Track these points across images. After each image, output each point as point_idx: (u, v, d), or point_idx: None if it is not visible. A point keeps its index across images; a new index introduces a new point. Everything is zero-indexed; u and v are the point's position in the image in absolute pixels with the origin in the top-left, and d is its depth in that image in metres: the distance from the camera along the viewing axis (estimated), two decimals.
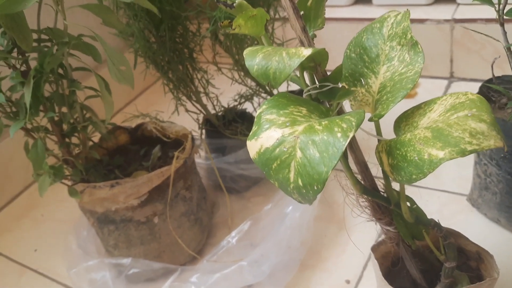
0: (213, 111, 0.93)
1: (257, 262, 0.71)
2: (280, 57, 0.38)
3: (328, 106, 0.43)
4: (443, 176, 0.85)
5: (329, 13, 1.18)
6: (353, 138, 0.45)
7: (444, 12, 1.07)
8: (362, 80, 0.44)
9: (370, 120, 0.43)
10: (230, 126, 0.92)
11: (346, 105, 0.46)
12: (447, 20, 1.05)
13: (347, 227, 0.79)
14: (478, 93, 0.69)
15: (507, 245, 0.70)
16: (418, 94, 1.09)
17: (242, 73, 0.89)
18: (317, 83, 0.42)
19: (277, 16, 0.84)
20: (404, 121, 0.43)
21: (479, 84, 0.69)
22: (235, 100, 0.93)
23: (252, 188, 0.93)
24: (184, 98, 0.89)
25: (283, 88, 1.01)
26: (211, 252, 0.75)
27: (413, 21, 1.08)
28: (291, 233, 0.74)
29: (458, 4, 1.09)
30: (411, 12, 1.16)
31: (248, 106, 0.95)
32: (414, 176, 0.38)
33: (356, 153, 0.45)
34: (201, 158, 0.93)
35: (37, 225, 0.99)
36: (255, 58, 0.39)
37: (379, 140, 0.42)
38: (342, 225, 0.80)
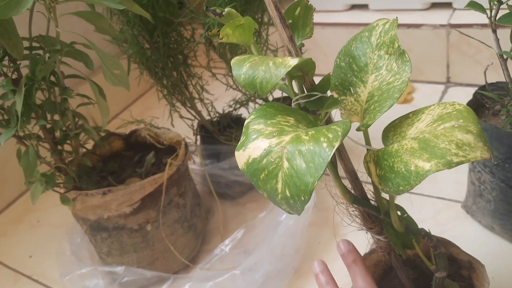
0: (207, 117, 0.93)
1: (250, 270, 0.70)
2: (267, 67, 0.37)
3: (316, 115, 0.43)
4: (438, 182, 0.85)
5: (325, 18, 1.19)
6: (342, 146, 0.45)
7: (440, 17, 1.07)
8: (351, 89, 0.44)
9: (358, 129, 0.43)
10: (225, 132, 0.92)
11: (337, 114, 0.46)
12: (443, 25, 1.05)
13: (339, 235, 0.78)
14: (472, 99, 0.69)
15: (501, 252, 0.69)
16: (415, 99, 1.09)
17: None
18: (305, 92, 0.42)
19: (271, 22, 0.83)
20: (392, 130, 0.43)
21: (475, 89, 0.69)
22: (230, 106, 0.93)
23: (246, 194, 0.92)
24: (178, 104, 0.89)
25: (278, 94, 1.01)
26: (205, 259, 0.75)
27: (409, 26, 1.08)
28: (285, 241, 0.73)
29: (454, 9, 1.09)
30: (408, 17, 1.16)
31: (243, 112, 0.95)
32: (401, 188, 0.37)
33: (345, 161, 0.45)
34: (196, 164, 0.93)
35: (32, 231, 0.99)
36: (242, 68, 0.38)
37: (367, 150, 0.42)
38: (335, 231, 0.80)
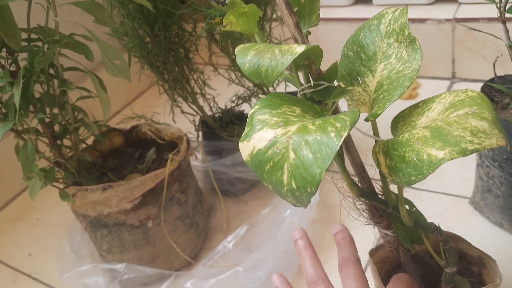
0: (209, 113, 0.91)
1: (253, 268, 0.69)
2: (273, 54, 0.36)
3: (323, 105, 0.41)
4: (445, 178, 0.83)
5: (329, 13, 1.17)
6: (349, 138, 0.43)
7: (445, 11, 1.06)
8: (359, 79, 0.43)
9: (366, 119, 0.41)
10: (227, 128, 0.90)
11: (343, 105, 0.44)
12: (448, 20, 1.03)
13: None
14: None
15: (511, 249, 0.68)
16: (420, 94, 1.08)
17: (239, 74, 0.87)
18: (311, 82, 0.41)
19: (274, 16, 0.82)
20: (401, 120, 0.41)
21: (481, 85, 0.68)
22: (232, 101, 0.92)
23: (249, 191, 0.91)
24: (180, 99, 0.88)
25: (281, 89, 1.00)
26: (207, 256, 0.73)
27: (414, 20, 1.07)
28: (289, 238, 0.72)
29: (460, 3, 1.08)
30: (412, 12, 1.14)
31: (246, 108, 0.94)
32: (413, 178, 0.36)
33: (353, 154, 0.44)
34: (198, 161, 0.92)
35: (32, 229, 0.98)
36: (247, 56, 0.37)
37: (376, 141, 0.41)
38: None
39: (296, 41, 0.39)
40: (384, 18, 0.42)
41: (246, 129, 0.37)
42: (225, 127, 0.90)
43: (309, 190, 0.34)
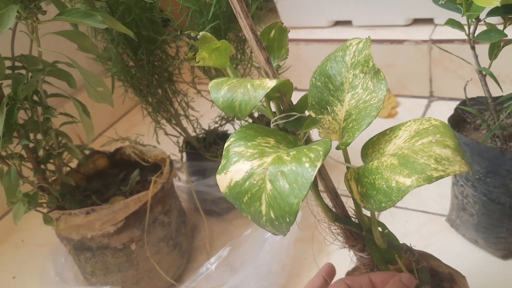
0: (193, 134, 0.93)
1: None
2: (245, 89, 0.38)
3: (296, 135, 0.43)
4: (422, 196, 0.85)
5: (309, 34, 1.20)
6: (322, 165, 0.45)
7: (422, 32, 1.09)
8: (328, 108, 0.45)
9: (337, 148, 0.43)
10: (211, 148, 0.92)
11: (314, 132, 0.46)
12: (425, 41, 1.06)
13: (325, 251, 0.78)
14: (454, 114, 0.70)
15: (486, 266, 0.70)
16: (399, 113, 1.10)
17: None
18: (283, 112, 0.42)
19: None
20: (370, 147, 0.43)
21: (458, 103, 0.70)
22: (216, 122, 0.93)
23: (233, 210, 0.92)
24: (164, 121, 0.89)
25: None
26: (190, 278, 0.74)
27: (392, 41, 1.10)
28: (271, 258, 0.73)
29: (436, 25, 1.11)
30: (390, 33, 1.17)
31: (229, 128, 0.95)
32: (383, 204, 0.37)
33: (326, 180, 0.45)
34: (181, 181, 0.93)
35: (16, 251, 0.97)
36: (220, 91, 0.38)
37: (347, 168, 0.42)
38: (322, 246, 0.80)
39: (267, 75, 0.41)
40: (348, 49, 0.44)
41: (223, 161, 0.38)
42: (208, 148, 0.92)
43: (288, 220, 0.34)
